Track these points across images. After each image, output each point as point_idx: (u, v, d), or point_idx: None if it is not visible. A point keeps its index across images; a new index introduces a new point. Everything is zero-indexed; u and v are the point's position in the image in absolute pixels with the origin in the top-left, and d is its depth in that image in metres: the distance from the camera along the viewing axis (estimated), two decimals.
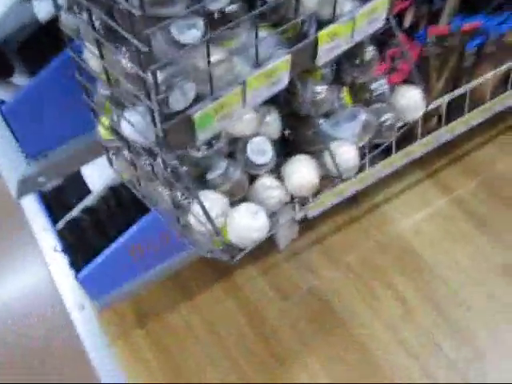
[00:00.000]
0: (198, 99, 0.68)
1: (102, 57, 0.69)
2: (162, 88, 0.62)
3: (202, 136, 0.70)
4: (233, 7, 0.64)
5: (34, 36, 0.89)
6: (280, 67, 0.72)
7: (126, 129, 0.75)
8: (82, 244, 1.27)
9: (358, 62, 0.87)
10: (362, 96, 0.90)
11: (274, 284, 1.50)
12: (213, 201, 0.76)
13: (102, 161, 1.35)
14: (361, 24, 0.79)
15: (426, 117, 1.48)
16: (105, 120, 0.83)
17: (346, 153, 0.84)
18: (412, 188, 1.68)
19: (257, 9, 0.65)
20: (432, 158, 1.67)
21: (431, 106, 1.48)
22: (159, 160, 0.75)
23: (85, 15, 0.67)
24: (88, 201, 1.29)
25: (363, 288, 1.46)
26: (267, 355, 1.40)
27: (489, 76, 1.53)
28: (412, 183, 1.68)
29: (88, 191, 1.31)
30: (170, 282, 1.47)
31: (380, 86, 0.90)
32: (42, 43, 0.89)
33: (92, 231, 1.27)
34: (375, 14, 0.81)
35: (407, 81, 0.98)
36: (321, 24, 0.78)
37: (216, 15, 0.63)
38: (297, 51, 0.74)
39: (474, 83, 1.52)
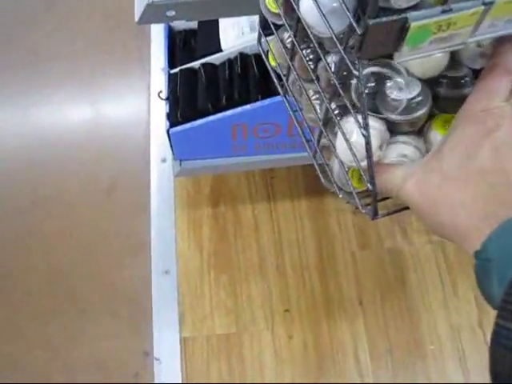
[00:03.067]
0: (419, 5, 0.46)
1: None
2: None
3: (407, 52, 0.48)
4: None
5: None
6: None
7: (306, 5, 0.54)
8: (188, 98, 1.09)
9: None
10: None
11: (359, 227, 1.31)
12: (376, 129, 0.55)
13: (245, 21, 1.16)
14: None
15: None
16: None
17: None
18: None
19: None
20: None
21: None
22: (331, 59, 0.54)
23: None
24: (213, 58, 1.10)
25: (447, 278, 1.26)
26: (319, 292, 1.25)
27: None
28: None
29: (218, 48, 1.12)
30: (258, 176, 1.31)
31: None
32: None
33: (204, 89, 1.08)
34: None
35: None
36: None
37: None
38: None
39: None
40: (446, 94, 0.56)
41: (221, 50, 1.12)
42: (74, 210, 1.28)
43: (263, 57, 0.75)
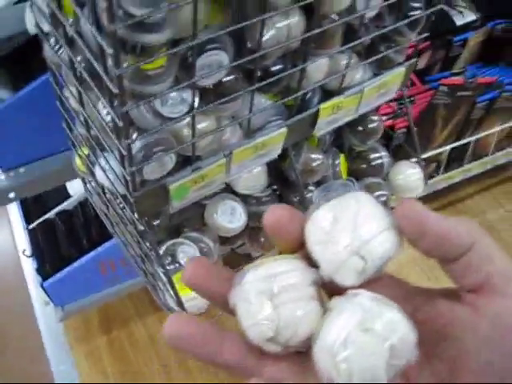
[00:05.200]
0: (179, 166, 0.61)
1: (81, 102, 0.61)
2: (137, 158, 0.55)
3: (177, 205, 0.63)
4: (228, 79, 0.56)
5: (21, 48, 0.81)
6: (273, 140, 0.65)
7: (100, 174, 0.68)
8: (52, 249, 1.20)
9: (360, 128, 0.80)
10: (358, 165, 0.83)
11: None
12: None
13: None
14: (369, 97, 0.72)
15: (425, 163, 1.42)
16: (82, 153, 0.76)
17: None
18: None
19: (256, 79, 0.58)
20: (423, 202, 1.59)
21: (432, 153, 1.42)
22: (129, 214, 0.68)
23: (66, 55, 0.59)
24: (65, 205, 1.22)
25: None
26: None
27: (495, 130, 1.47)
28: None
29: (67, 194, 1.24)
30: (139, 294, 1.41)
31: (379, 157, 0.83)
32: (28, 56, 0.81)
33: (65, 237, 1.20)
34: (386, 88, 0.73)
35: (409, 150, 0.91)
36: (326, 92, 0.70)
37: (209, 86, 0.56)
38: (294, 123, 0.67)
39: (479, 136, 1.45)
40: None
41: (70, 195, 1.24)
42: None
43: (92, 204, 0.89)
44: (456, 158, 1.51)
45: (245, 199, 0.75)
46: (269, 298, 0.31)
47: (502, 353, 0.31)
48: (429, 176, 1.49)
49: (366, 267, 0.32)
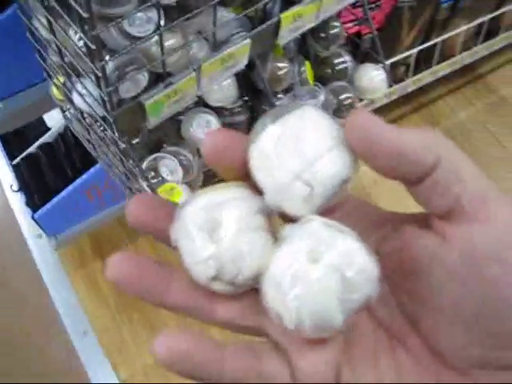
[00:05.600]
0: (152, 84, 0.65)
1: (51, 31, 0.64)
2: (111, 79, 0.59)
3: (154, 121, 0.67)
4: None
5: None
6: (238, 51, 0.69)
7: (78, 99, 0.72)
8: (38, 181, 1.24)
9: (322, 35, 0.84)
10: (323, 71, 0.88)
11: None
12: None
13: None
14: (328, 3, 0.76)
15: (394, 66, 1.46)
16: (58, 81, 0.79)
17: None
18: None
19: None
20: (395, 105, 1.65)
21: (400, 57, 1.46)
22: (110, 134, 0.73)
23: None
24: (45, 137, 1.26)
25: None
26: None
27: (461, 30, 1.50)
28: None
29: (47, 128, 1.27)
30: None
31: (343, 61, 0.87)
32: None
33: (49, 168, 1.25)
34: None
35: (373, 54, 0.95)
36: (286, 1, 0.74)
37: (173, 4, 0.59)
38: (258, 33, 0.71)
39: (446, 36, 1.49)
40: None
41: (49, 128, 1.28)
42: None
43: (72, 130, 0.93)
44: (424, 60, 1.55)
45: (218, 111, 0.80)
46: (209, 232, 0.29)
47: (471, 290, 0.27)
48: (398, 79, 1.53)
49: (313, 192, 0.28)
